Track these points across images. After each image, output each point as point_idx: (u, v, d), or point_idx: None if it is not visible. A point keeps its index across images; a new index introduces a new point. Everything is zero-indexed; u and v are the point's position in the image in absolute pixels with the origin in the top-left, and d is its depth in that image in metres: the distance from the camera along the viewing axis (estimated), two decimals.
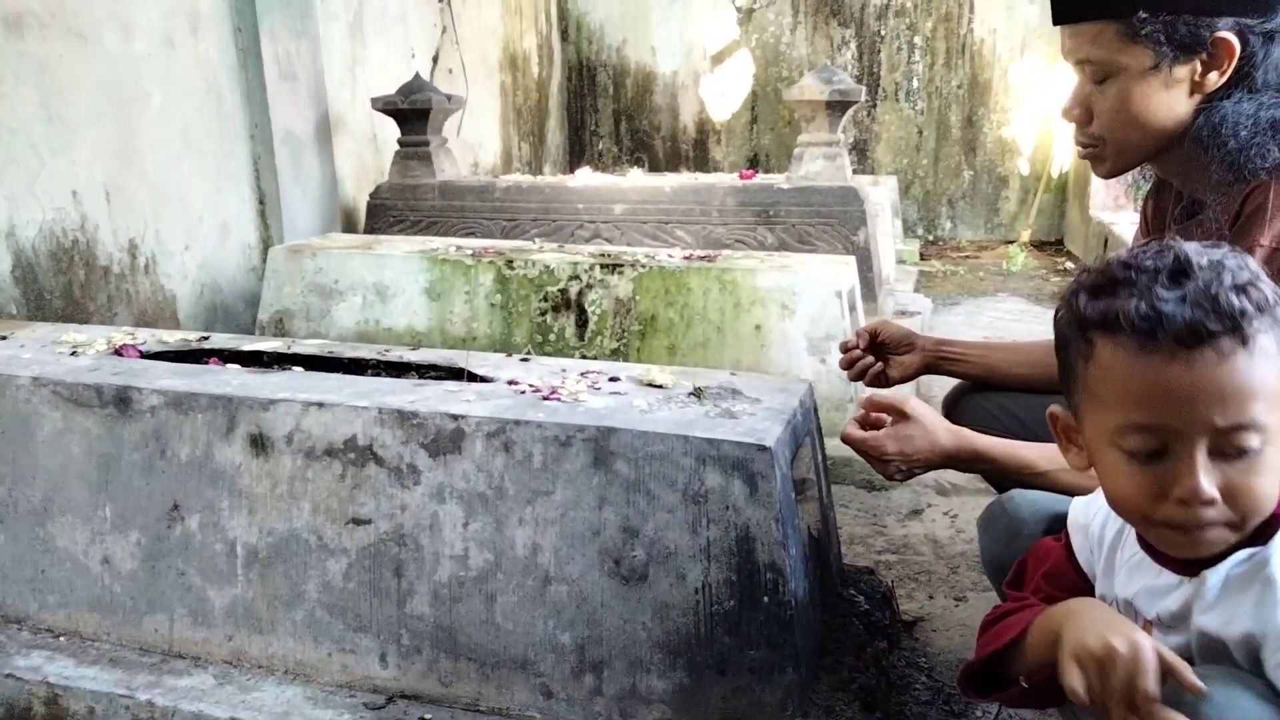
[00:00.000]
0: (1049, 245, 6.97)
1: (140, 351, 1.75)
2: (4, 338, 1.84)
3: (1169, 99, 1.13)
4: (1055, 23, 1.23)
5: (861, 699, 1.39)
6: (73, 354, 1.71)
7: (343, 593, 1.43)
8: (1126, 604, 0.92)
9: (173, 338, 1.87)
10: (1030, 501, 1.15)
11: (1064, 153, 6.87)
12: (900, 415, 1.30)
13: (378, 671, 1.43)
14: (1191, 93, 1.13)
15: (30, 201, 2.71)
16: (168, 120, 3.24)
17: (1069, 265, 6.15)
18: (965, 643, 1.79)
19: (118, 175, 3.03)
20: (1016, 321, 4.69)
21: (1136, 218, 6.04)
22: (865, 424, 1.40)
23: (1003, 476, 1.25)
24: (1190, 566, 0.85)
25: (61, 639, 1.56)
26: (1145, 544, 0.90)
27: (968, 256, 6.70)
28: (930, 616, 1.88)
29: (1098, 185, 6.13)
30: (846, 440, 1.38)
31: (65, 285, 2.84)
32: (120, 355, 1.72)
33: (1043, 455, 1.22)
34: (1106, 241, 5.42)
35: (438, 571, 1.39)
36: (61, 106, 2.80)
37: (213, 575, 1.49)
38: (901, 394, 1.38)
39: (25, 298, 2.69)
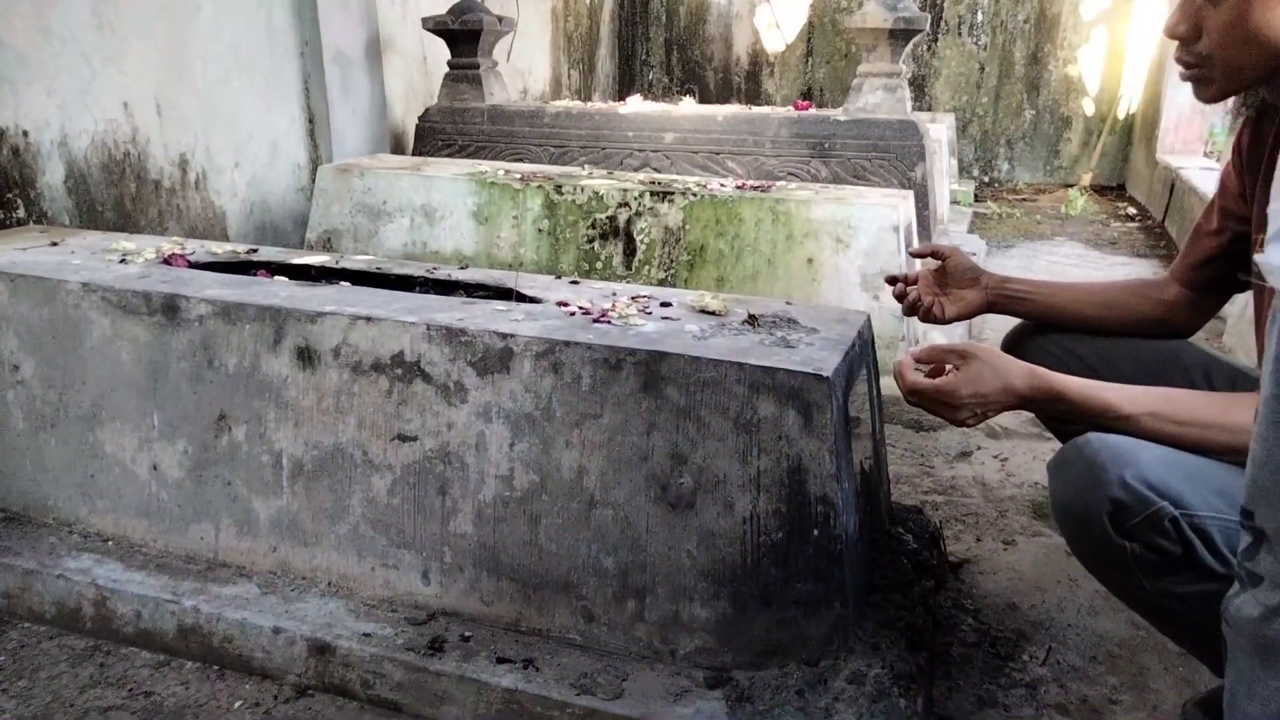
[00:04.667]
0: (1110, 190, 6.73)
1: (189, 261, 1.74)
2: (55, 244, 1.84)
3: None
4: None
5: (908, 638, 1.36)
6: (122, 261, 1.70)
7: (387, 509, 1.43)
8: None
9: (221, 249, 1.85)
10: (1111, 446, 1.09)
11: (1131, 93, 6.59)
12: (961, 358, 1.24)
13: (420, 588, 1.43)
14: None
15: (82, 112, 2.70)
16: (218, 34, 3.21)
17: (1130, 211, 5.94)
18: (1012, 586, 1.75)
19: (168, 88, 3.01)
20: (1074, 266, 4.56)
21: (1206, 162, 5.76)
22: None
23: (1079, 420, 1.19)
24: None
25: (110, 543, 1.59)
26: None
27: (1025, 199, 6.50)
28: (977, 559, 1.85)
29: (1166, 128, 5.88)
30: (914, 390, 1.28)
31: (117, 198, 2.85)
32: (169, 264, 1.71)
33: (1128, 398, 1.15)
34: (1173, 187, 5.22)
35: (482, 491, 1.38)
36: (113, 14, 2.77)
37: (258, 486, 1.50)
38: (957, 342, 1.31)
39: (78, 208, 2.70)
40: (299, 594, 1.47)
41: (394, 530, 1.43)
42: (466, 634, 1.37)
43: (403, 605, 1.44)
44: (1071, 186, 6.62)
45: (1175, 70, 5.47)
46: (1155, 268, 4.55)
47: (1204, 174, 4.91)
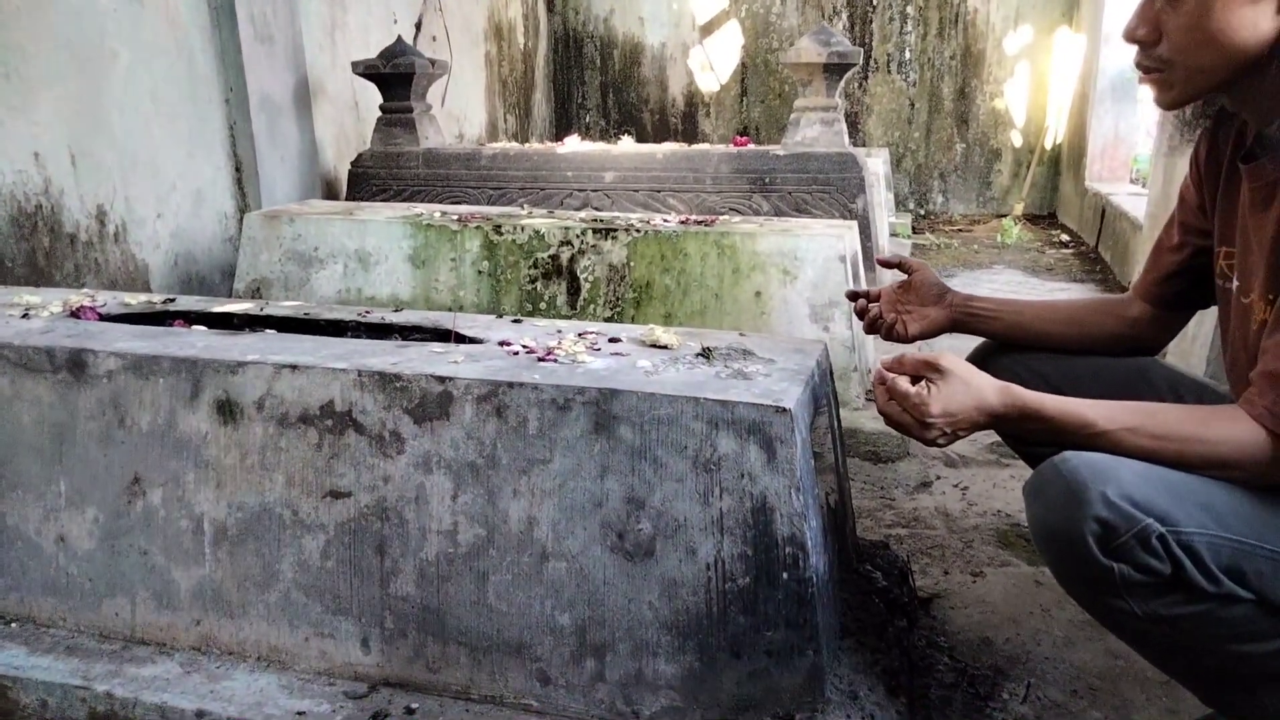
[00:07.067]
0: (1042, 219, 6.87)
1: (99, 314, 1.62)
2: None
3: (1254, 15, 1.01)
4: None
5: (885, 683, 1.28)
6: (24, 316, 1.57)
7: (320, 572, 1.31)
8: None
9: (135, 300, 1.73)
10: (1090, 463, 1.03)
11: (1057, 124, 6.77)
12: (935, 372, 1.18)
13: (359, 658, 1.31)
14: (1279, 9, 1.01)
15: None
16: (136, 81, 3.08)
17: (1064, 238, 6.06)
18: (985, 619, 1.69)
19: (83, 138, 2.87)
20: (1015, 293, 4.60)
21: (1133, 188, 5.89)
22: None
23: (1054, 437, 1.13)
24: None
25: (13, 625, 1.44)
26: None
27: (961, 230, 6.60)
28: (947, 593, 1.78)
29: (1092, 156, 6.03)
30: (887, 398, 1.20)
31: (28, 252, 2.69)
32: (77, 317, 1.59)
33: (1104, 414, 1.10)
34: (1104, 212, 5.33)
35: (424, 548, 1.27)
36: (20, 63, 2.64)
37: (178, 554, 1.37)
38: (933, 350, 1.25)
39: None
40: (226, 671, 1.33)
41: (329, 595, 1.31)
42: (412, 705, 1.26)
43: (341, 677, 1.32)
44: (1005, 216, 6.74)
45: (1099, 101, 5.56)
46: (1093, 291, 4.62)
47: (1132, 199, 5.02)
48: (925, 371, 1.18)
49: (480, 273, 2.73)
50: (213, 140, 3.48)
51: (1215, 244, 1.24)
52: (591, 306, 2.66)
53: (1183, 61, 1.06)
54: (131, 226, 3.08)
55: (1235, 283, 1.17)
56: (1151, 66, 1.09)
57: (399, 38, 4.02)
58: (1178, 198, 1.34)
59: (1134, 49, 1.12)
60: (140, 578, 1.39)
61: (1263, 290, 1.09)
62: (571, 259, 2.67)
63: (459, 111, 5.72)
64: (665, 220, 2.79)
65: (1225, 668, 1.09)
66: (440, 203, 3.66)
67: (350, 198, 3.87)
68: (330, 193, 4.23)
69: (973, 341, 1.62)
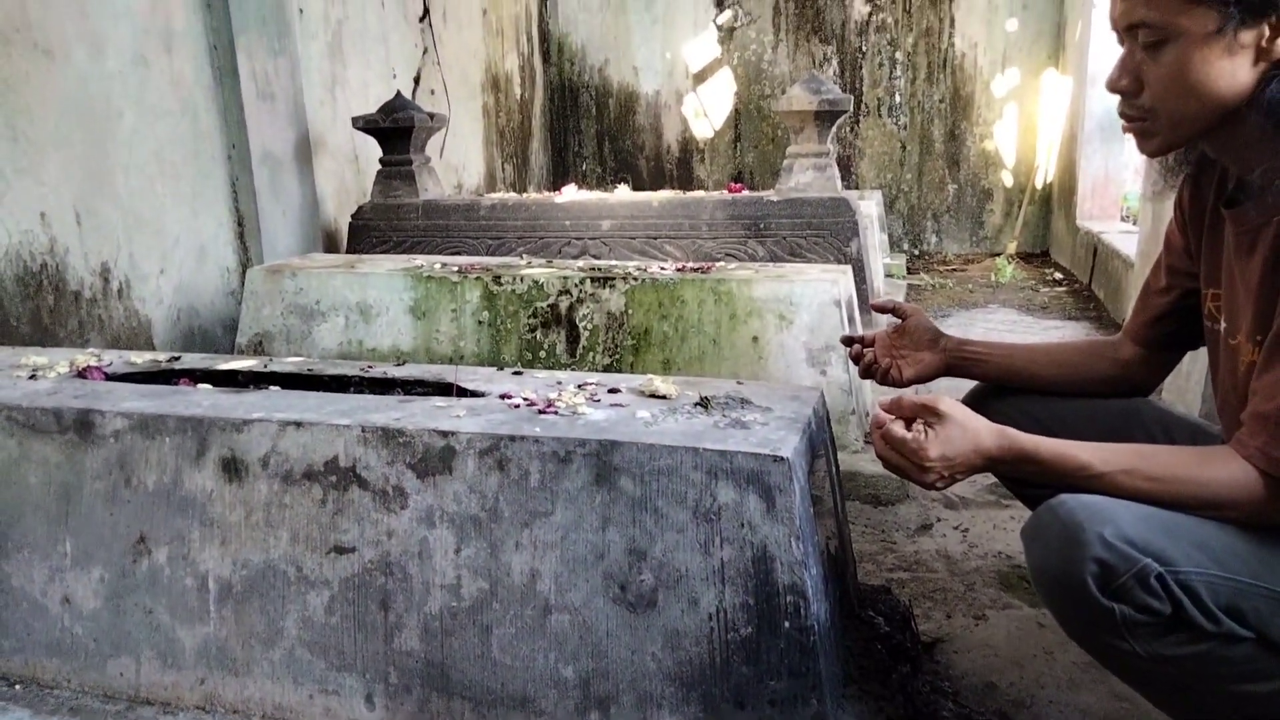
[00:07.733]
0: (1035, 257, 6.93)
1: (105, 373, 1.64)
2: None
3: (1231, 66, 1.04)
4: None
5: None
6: (31, 377, 1.60)
7: (324, 628, 1.32)
8: None
9: (141, 358, 1.76)
10: (1087, 505, 1.05)
11: (1047, 163, 6.86)
12: (933, 416, 1.19)
13: (364, 714, 1.31)
14: (1257, 60, 1.04)
15: None
16: (141, 141, 3.14)
17: (1057, 276, 6.11)
18: (988, 663, 1.69)
19: (88, 197, 2.92)
20: (1010, 332, 4.63)
21: (1124, 226, 5.93)
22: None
23: (1050, 480, 1.15)
24: None
25: (17, 687, 1.44)
26: None
27: (955, 270, 6.65)
28: (950, 637, 1.78)
29: (1083, 195, 6.10)
30: (884, 443, 1.21)
31: (33, 311, 2.72)
32: (84, 377, 1.61)
33: (1100, 456, 1.12)
34: (1096, 251, 5.38)
35: (428, 603, 1.28)
36: (27, 125, 2.69)
37: (183, 613, 1.38)
38: (930, 394, 1.26)
39: None
40: None
41: (333, 652, 1.32)
42: None
43: None
44: (998, 255, 6.80)
45: (1088, 141, 5.62)
46: (1087, 329, 4.65)
47: (1124, 237, 5.07)
48: (922, 415, 1.20)
49: (480, 323, 2.76)
50: (215, 196, 3.53)
51: (1202, 286, 1.27)
52: (590, 354, 2.68)
53: (1164, 110, 1.09)
54: (135, 283, 3.11)
55: (1223, 324, 1.19)
56: (1134, 115, 1.13)
57: (398, 92, 4.10)
58: (1164, 241, 1.37)
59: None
60: (145, 637, 1.39)
61: (1250, 332, 1.11)
62: (570, 308, 2.70)
63: (457, 162, 5.80)
64: (662, 268, 2.83)
65: (1229, 709, 1.10)
66: (440, 254, 3.70)
67: (351, 250, 3.91)
68: (331, 245, 4.28)
69: (969, 384, 1.64)
